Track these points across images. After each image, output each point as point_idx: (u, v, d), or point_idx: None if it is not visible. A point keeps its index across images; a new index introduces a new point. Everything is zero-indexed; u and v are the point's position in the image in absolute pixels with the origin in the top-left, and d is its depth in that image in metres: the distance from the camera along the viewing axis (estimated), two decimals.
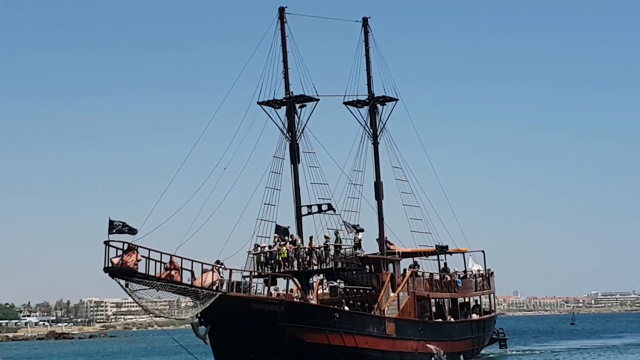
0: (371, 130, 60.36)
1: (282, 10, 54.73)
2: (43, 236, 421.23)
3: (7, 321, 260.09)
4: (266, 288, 46.98)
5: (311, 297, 50.61)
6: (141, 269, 40.19)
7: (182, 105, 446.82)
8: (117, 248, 39.51)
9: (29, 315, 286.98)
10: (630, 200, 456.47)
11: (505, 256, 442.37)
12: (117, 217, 39.17)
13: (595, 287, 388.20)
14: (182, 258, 41.56)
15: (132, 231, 38.99)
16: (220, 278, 43.26)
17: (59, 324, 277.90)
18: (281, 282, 49.89)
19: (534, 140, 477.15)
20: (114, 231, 38.87)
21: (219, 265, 43.45)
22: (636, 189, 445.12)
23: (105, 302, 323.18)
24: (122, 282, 39.69)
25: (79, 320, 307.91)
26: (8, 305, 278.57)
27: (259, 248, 50.37)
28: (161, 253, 40.69)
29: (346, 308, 50.67)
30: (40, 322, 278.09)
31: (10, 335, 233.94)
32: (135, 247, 39.66)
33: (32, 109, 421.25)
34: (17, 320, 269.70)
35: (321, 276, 52.24)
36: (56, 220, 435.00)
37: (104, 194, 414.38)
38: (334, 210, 51.89)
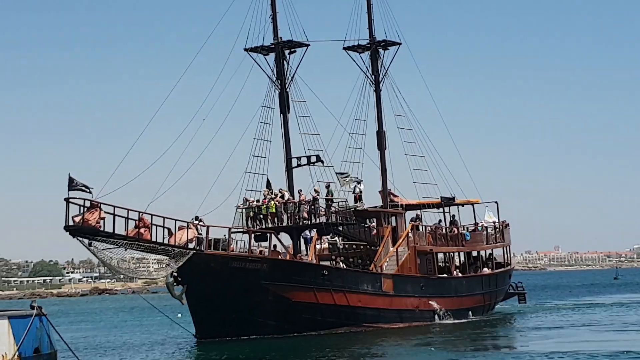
0: (373, 76, 57.58)
1: None
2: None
3: (51, 278, 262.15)
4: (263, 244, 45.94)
5: (306, 253, 48.41)
6: (109, 227, 38.34)
7: (160, 52, 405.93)
8: (79, 205, 37.30)
9: (72, 272, 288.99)
10: None
11: (545, 210, 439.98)
12: (86, 173, 36.91)
13: (638, 241, 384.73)
14: (152, 215, 39.63)
15: (86, 189, 36.72)
16: (197, 235, 41.10)
17: (102, 280, 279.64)
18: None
19: (563, 81, 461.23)
20: (74, 188, 36.61)
21: (195, 222, 41.17)
22: None
23: (147, 259, 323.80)
24: (85, 241, 37.49)
25: (122, 276, 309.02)
26: (52, 262, 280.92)
27: (248, 202, 47.94)
28: (128, 210, 38.93)
29: (342, 265, 48.72)
30: (84, 279, 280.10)
31: (55, 291, 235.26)
32: (98, 204, 37.73)
33: None
34: (60, 277, 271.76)
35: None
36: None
37: (70, 149, 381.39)
38: (322, 162, 49.46)
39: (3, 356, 22.80)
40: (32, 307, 24.51)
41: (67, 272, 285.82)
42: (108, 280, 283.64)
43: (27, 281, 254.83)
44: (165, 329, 52.55)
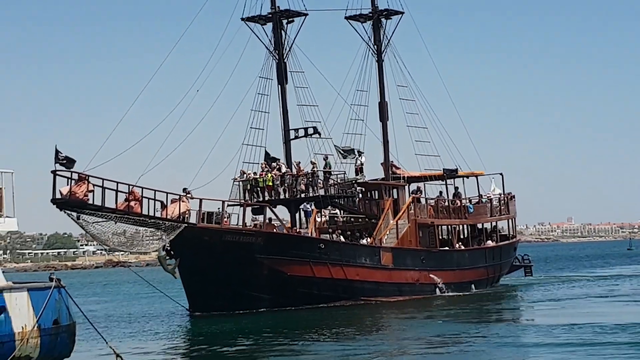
0: (375, 46, 56.76)
1: None
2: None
3: (65, 250, 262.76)
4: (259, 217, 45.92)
5: (306, 227, 47.80)
6: (98, 201, 37.79)
7: (154, 22, 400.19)
8: (66, 177, 36.76)
9: (86, 244, 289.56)
10: None
11: (557, 182, 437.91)
12: (75, 147, 36.32)
13: None
14: (142, 188, 39.17)
15: (70, 161, 36.08)
16: (188, 208, 40.50)
17: (116, 253, 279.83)
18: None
19: (572, 49, 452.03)
20: (60, 161, 36.02)
21: (185, 194, 40.52)
22: None
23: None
24: (74, 214, 36.85)
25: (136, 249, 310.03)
26: (66, 235, 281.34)
27: (245, 175, 47.28)
28: (117, 183, 38.32)
29: (341, 238, 48.06)
30: (98, 251, 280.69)
31: (69, 263, 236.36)
32: (86, 177, 37.16)
33: None
34: (75, 250, 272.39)
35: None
36: None
37: (60, 120, 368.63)
38: (320, 134, 48.88)
39: (23, 327, 22.56)
40: (51, 280, 24.11)
41: (81, 245, 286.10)
42: (122, 253, 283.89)
43: (42, 254, 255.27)
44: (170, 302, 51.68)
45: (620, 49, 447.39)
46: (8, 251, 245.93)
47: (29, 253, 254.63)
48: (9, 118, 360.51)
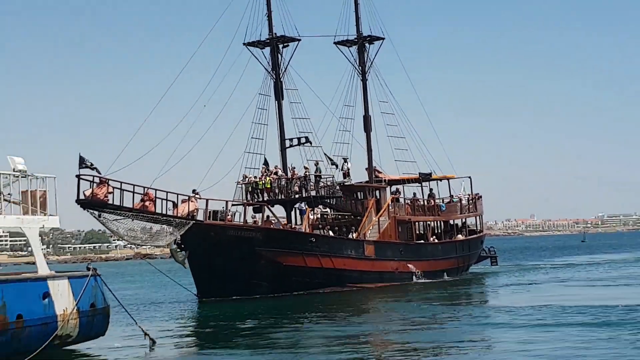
0: (360, 67, 56.62)
1: None
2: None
3: (100, 244, 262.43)
4: (258, 215, 45.38)
5: (300, 223, 47.13)
6: (117, 201, 37.07)
7: (166, 46, 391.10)
8: (89, 181, 36.18)
9: (117, 240, 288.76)
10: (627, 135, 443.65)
11: (522, 183, 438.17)
12: (96, 154, 35.77)
13: (601, 210, 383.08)
14: (156, 190, 38.82)
15: (93, 166, 35.52)
16: (196, 207, 40.08)
17: (144, 246, 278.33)
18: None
19: (529, 73, 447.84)
20: (84, 166, 35.40)
21: (193, 195, 40.02)
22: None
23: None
24: (95, 212, 36.25)
25: (150, 243, 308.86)
26: (100, 231, 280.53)
27: (247, 179, 47.00)
28: (134, 185, 37.80)
29: (330, 233, 47.72)
30: (128, 246, 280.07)
31: (103, 256, 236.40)
32: (107, 180, 36.66)
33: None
34: (108, 244, 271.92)
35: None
36: None
37: (79, 131, 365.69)
38: (311, 143, 48.80)
39: (64, 310, 22.74)
40: (88, 269, 24.41)
41: (113, 240, 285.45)
42: (149, 246, 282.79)
43: (79, 247, 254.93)
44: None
45: (567, 59, 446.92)
46: (51, 245, 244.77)
47: (68, 247, 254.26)
48: (53, 130, 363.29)
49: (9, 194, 22.88)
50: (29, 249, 22.65)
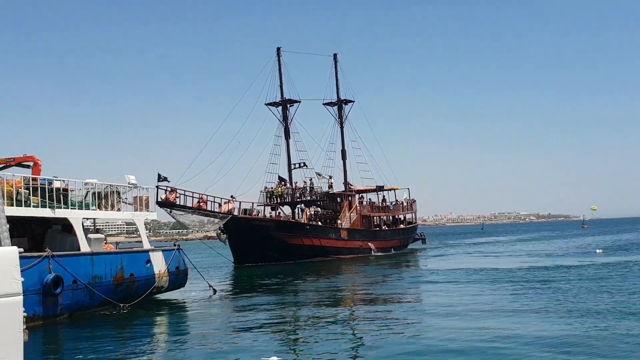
0: (339, 119, 55.15)
1: (278, 49, 49.22)
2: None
3: (183, 230, 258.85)
4: (273, 212, 44.67)
5: (301, 217, 45.94)
6: (181, 202, 36.17)
7: (212, 103, 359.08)
8: (164, 189, 35.22)
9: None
10: (512, 144, 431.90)
11: (445, 189, 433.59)
12: (164, 170, 34.71)
13: (493, 209, 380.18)
14: (207, 195, 37.71)
15: (165, 180, 34.56)
16: (233, 206, 38.97)
17: (201, 232, 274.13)
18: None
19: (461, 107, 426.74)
20: (161, 180, 34.45)
21: (231, 199, 38.98)
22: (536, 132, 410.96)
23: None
24: (168, 210, 35.21)
25: (203, 229, 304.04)
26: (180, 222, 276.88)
27: (267, 189, 45.78)
28: (192, 192, 36.63)
29: (319, 223, 46.32)
30: (197, 231, 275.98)
31: (184, 237, 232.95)
32: (175, 189, 35.58)
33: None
34: (187, 230, 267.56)
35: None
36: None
37: (149, 153, 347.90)
38: (307, 166, 47.89)
39: (159, 271, 22.32)
40: (174, 245, 24.15)
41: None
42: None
43: (169, 232, 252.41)
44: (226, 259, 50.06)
45: (496, 72, 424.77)
46: (151, 230, 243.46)
47: (162, 232, 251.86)
48: (147, 149, 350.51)
49: (126, 198, 22.79)
50: (138, 232, 22.32)
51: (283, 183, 46.47)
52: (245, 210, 40.53)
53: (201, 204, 36.67)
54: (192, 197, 36.40)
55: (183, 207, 35.79)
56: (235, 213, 39.18)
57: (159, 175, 34.81)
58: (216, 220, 37.77)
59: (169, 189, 35.46)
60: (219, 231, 38.69)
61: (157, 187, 35.18)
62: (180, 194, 35.57)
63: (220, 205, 38.39)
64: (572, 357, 11.22)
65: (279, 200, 45.12)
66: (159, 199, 35.04)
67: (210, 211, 37.29)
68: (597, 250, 42.05)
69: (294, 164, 48.03)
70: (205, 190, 38.46)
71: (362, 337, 14.01)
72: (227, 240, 39.12)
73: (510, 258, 39.66)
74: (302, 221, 44.77)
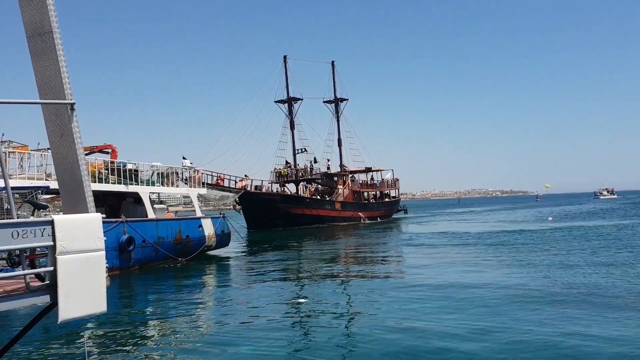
0: (336, 114, 54.57)
1: (285, 57, 48.53)
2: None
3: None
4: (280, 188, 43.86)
5: (303, 192, 45.55)
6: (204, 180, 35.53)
7: (230, 103, 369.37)
8: (188, 170, 34.64)
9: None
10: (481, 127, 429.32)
11: (427, 169, 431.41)
12: (188, 154, 34.43)
13: (467, 186, 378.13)
14: (224, 174, 37.73)
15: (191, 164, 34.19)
16: (247, 183, 38.61)
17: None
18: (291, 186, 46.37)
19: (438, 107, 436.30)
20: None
21: (245, 177, 38.65)
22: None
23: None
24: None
25: (222, 202, 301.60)
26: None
27: (275, 169, 45.47)
28: (212, 172, 36.37)
29: (318, 197, 45.98)
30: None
31: (224, 208, 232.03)
32: (199, 170, 34.83)
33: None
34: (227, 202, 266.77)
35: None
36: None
37: (178, 137, 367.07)
38: (307, 151, 47.40)
39: (209, 233, 22.81)
40: (220, 214, 24.87)
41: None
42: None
43: (216, 203, 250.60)
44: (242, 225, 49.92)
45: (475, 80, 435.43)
46: (202, 202, 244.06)
47: (211, 203, 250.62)
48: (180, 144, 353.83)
49: (183, 176, 23.85)
50: (192, 203, 22.66)
51: (289, 165, 46.20)
52: (256, 186, 40.52)
53: (219, 181, 36.44)
54: (211, 175, 36.29)
55: (206, 184, 35.43)
56: (249, 189, 39.05)
57: (184, 158, 34.38)
58: (232, 194, 37.61)
59: (192, 169, 35.12)
60: (235, 203, 38.43)
61: (181, 168, 34.86)
62: (203, 173, 35.25)
63: (235, 182, 38.27)
64: (521, 299, 11.68)
65: (285, 179, 44.88)
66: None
67: (228, 187, 37.26)
68: (549, 218, 42.43)
69: (298, 150, 47.79)
70: (223, 170, 38.32)
71: (361, 283, 14.44)
72: (241, 211, 38.93)
73: (484, 223, 39.91)
74: (305, 196, 44.56)
